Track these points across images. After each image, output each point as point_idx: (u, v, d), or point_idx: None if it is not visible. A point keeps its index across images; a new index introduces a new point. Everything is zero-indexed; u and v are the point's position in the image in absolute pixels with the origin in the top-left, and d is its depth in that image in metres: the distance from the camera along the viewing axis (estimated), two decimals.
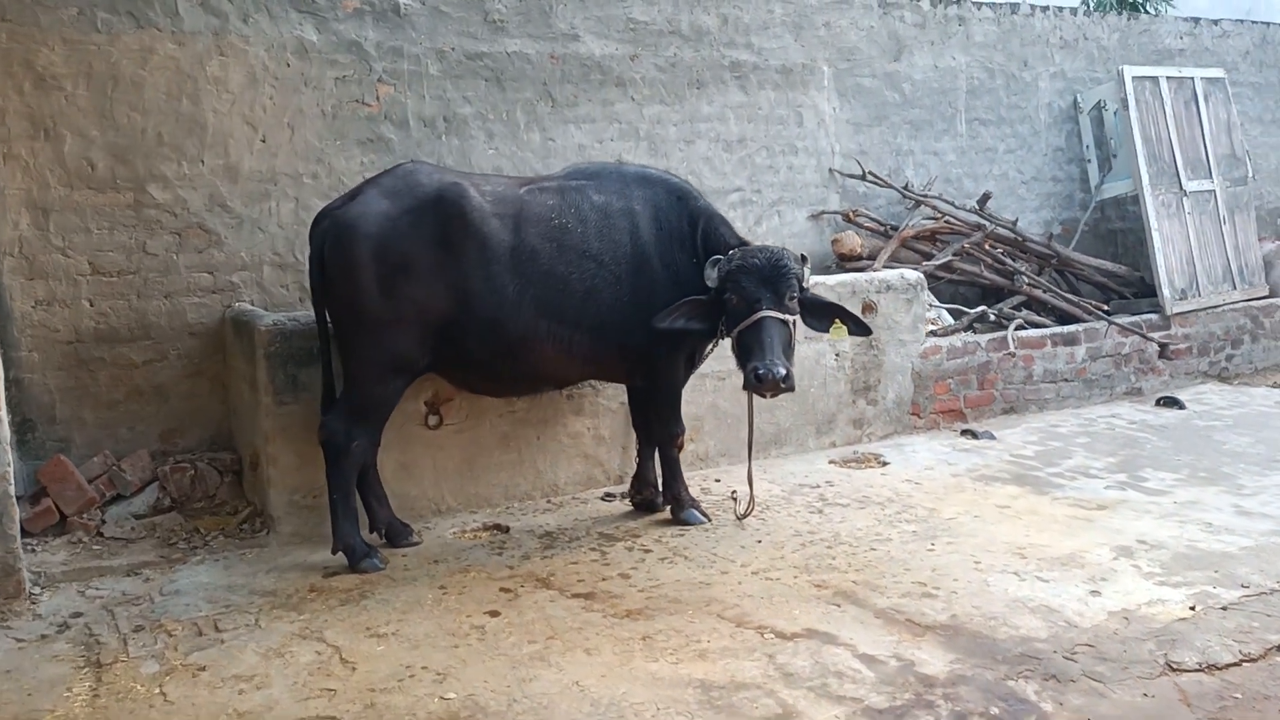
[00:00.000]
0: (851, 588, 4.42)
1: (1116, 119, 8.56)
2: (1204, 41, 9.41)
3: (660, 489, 5.51)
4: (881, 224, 7.59)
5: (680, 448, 5.37)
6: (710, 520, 5.33)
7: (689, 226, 5.04)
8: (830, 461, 6.46)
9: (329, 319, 4.71)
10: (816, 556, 4.80)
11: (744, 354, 4.70)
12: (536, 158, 6.47)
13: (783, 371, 4.53)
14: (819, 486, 5.93)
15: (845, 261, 7.29)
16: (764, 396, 4.77)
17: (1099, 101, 8.54)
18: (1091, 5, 9.05)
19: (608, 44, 6.63)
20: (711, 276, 4.81)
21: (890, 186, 7.60)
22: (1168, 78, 8.48)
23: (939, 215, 7.74)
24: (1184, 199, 8.47)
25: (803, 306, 4.87)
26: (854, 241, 7.23)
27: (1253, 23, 9.96)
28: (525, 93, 6.42)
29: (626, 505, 5.64)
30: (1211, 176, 8.70)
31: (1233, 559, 4.66)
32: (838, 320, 4.97)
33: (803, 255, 4.94)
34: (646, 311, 4.84)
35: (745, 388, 4.70)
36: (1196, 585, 4.36)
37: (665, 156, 6.89)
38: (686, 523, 5.30)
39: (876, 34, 7.70)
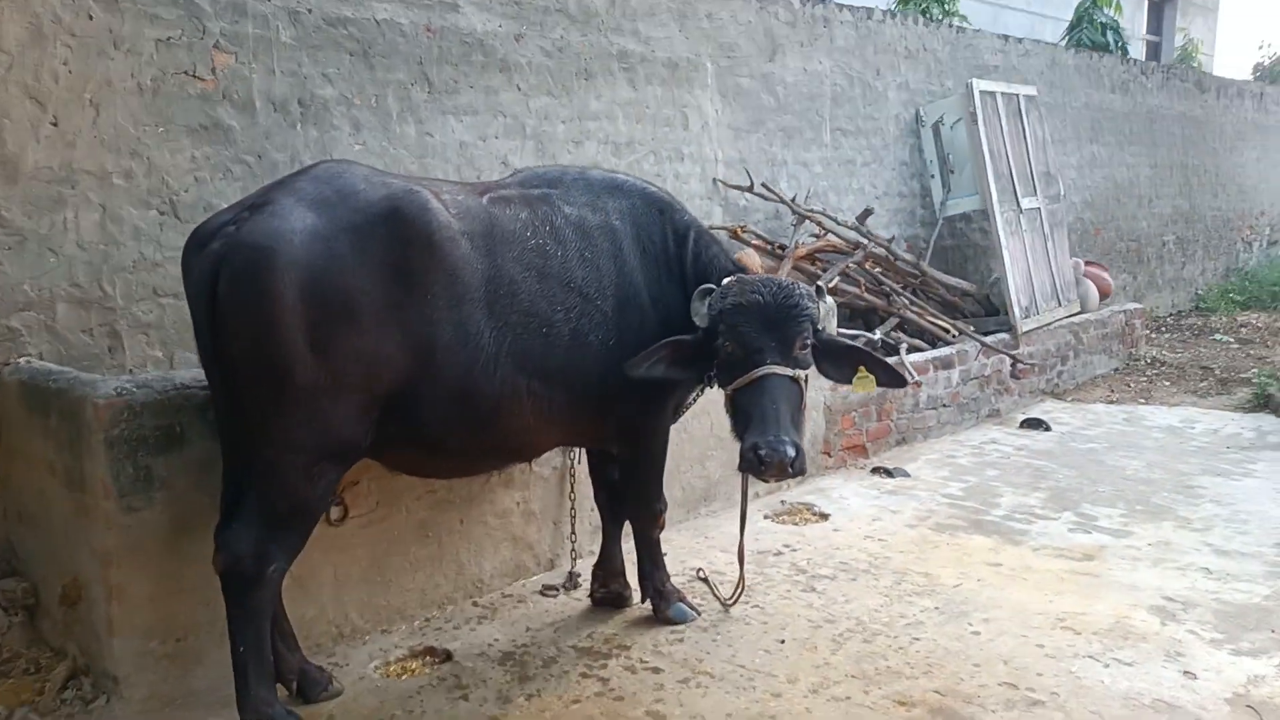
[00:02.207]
0: (940, 701, 3.60)
1: (953, 133, 8.42)
2: (1012, 59, 9.57)
3: (625, 577, 4.41)
4: (769, 241, 6.86)
5: (662, 527, 4.30)
6: (699, 614, 4.30)
7: (675, 247, 3.96)
8: (765, 517, 5.62)
9: (225, 384, 3.18)
10: (864, 656, 3.93)
11: (740, 421, 3.64)
12: (412, 156, 5.09)
13: (791, 452, 3.45)
14: (780, 553, 5.08)
15: None
16: (765, 481, 3.67)
17: (941, 115, 8.34)
18: (895, 10, 8.84)
19: (491, 18, 5.36)
20: (700, 313, 3.74)
21: (782, 201, 6.89)
22: (1001, 93, 8.45)
23: (822, 232, 7.14)
24: (1021, 216, 8.49)
25: (818, 353, 3.88)
26: (755, 263, 6.43)
27: (1045, 43, 10.32)
28: (398, 73, 5.02)
29: (577, 600, 4.48)
30: (1037, 194, 8.80)
31: (1269, 613, 4.34)
32: (862, 369, 4.00)
33: (818, 287, 4.01)
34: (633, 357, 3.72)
35: (742, 468, 3.57)
36: (1269, 649, 3.96)
37: (553, 159, 5.74)
38: (675, 621, 4.24)
39: (754, 30, 6.96)
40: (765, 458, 3.43)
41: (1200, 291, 13.50)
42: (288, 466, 3.15)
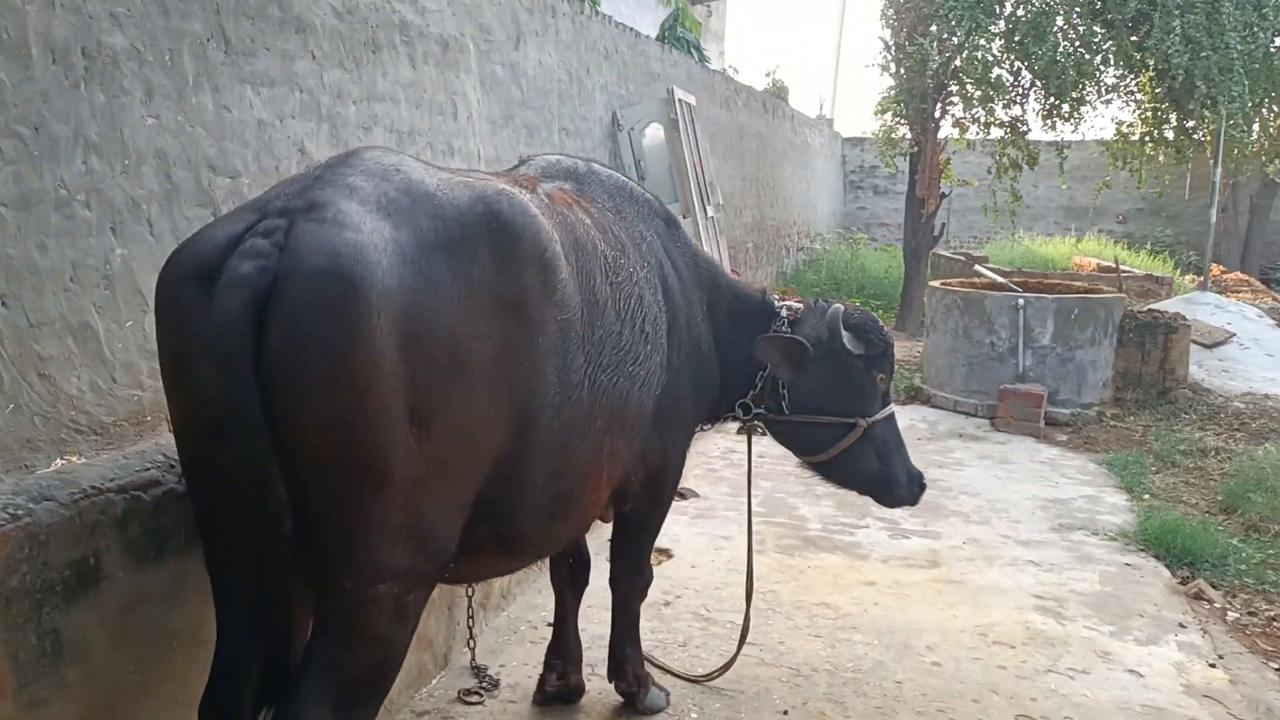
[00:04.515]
0: None
1: (643, 138, 8.32)
2: (666, 68, 9.71)
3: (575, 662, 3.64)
4: None
5: (644, 598, 3.61)
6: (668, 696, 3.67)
7: (688, 267, 3.33)
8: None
9: (257, 483, 1.91)
10: (874, 714, 3.60)
11: (876, 455, 3.52)
12: (210, 136, 3.73)
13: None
14: (669, 602, 4.58)
15: None
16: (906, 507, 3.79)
17: (640, 120, 8.18)
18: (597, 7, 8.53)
19: None
20: (849, 338, 3.39)
21: None
22: (682, 101, 8.51)
23: None
24: (707, 224, 8.63)
25: None
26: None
27: (684, 56, 10.61)
28: (194, 22, 3.63)
29: (511, 704, 3.59)
30: (709, 202, 9.02)
31: (1115, 597, 4.78)
32: None
33: None
34: (674, 399, 3.11)
35: (902, 501, 3.63)
36: (1156, 633, 4.35)
37: (345, 145, 4.63)
38: (654, 710, 3.57)
39: (503, 13, 6.23)
40: (924, 486, 3.64)
41: None
42: (378, 601, 2.10)
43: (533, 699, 3.61)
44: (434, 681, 3.71)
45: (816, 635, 4.27)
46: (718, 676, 3.77)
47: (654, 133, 8.27)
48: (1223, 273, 15.99)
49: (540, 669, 3.66)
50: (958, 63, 11.84)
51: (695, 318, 3.26)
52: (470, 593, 3.76)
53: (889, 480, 3.55)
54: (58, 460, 3.08)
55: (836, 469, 3.55)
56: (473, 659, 3.78)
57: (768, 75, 21.58)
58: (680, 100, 8.04)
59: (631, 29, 8.85)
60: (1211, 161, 12.38)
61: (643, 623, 3.66)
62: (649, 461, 3.11)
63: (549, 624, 4.19)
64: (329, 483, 1.97)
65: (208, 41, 3.69)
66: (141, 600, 2.32)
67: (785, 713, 3.61)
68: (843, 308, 3.44)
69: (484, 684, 3.70)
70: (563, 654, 3.62)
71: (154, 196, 3.47)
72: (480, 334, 2.16)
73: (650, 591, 4.52)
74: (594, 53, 7.82)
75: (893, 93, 12.63)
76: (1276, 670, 4.16)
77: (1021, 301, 8.35)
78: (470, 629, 3.79)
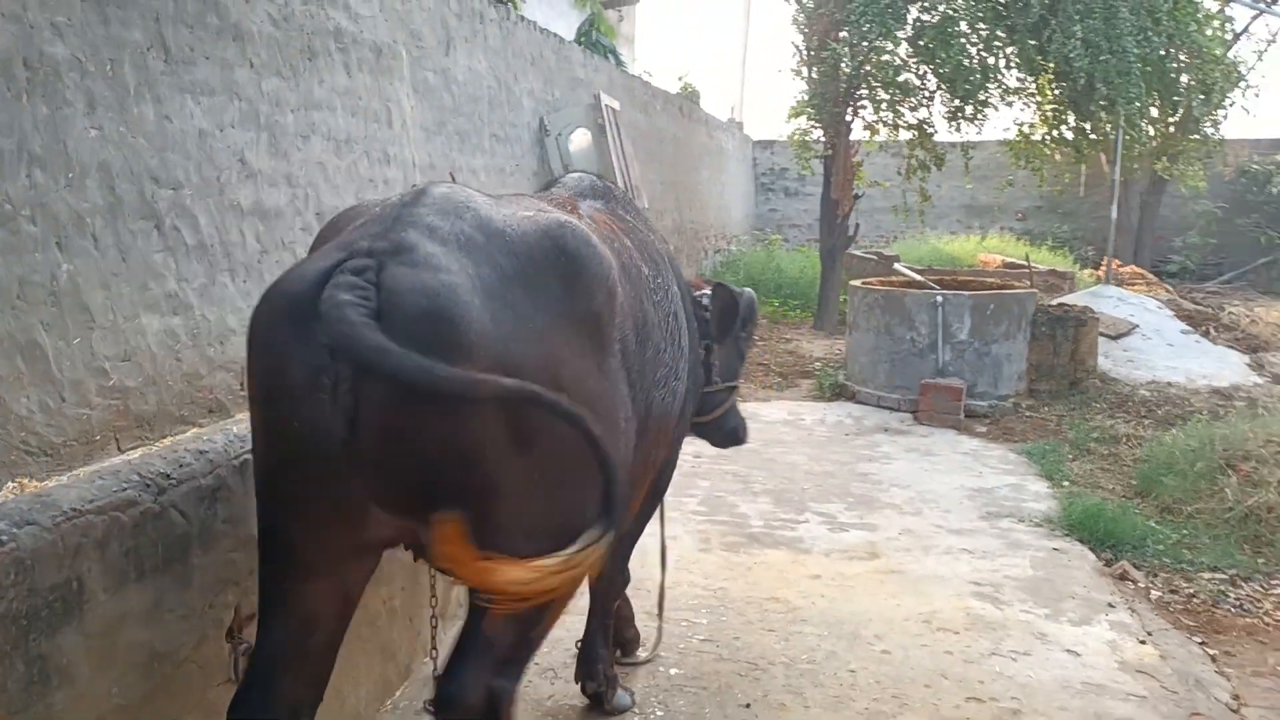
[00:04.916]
0: None
1: (569, 144, 8.35)
2: (589, 73, 9.76)
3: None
4: None
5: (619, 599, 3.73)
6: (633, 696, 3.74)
7: (678, 269, 3.44)
8: None
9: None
10: (833, 704, 3.72)
11: (731, 423, 4.02)
12: (151, 148, 3.65)
13: None
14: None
15: None
16: None
17: (567, 125, 8.22)
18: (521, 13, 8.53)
19: None
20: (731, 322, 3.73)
21: None
22: (607, 106, 8.58)
23: None
24: None
25: None
26: None
27: (605, 61, 10.67)
28: (134, 31, 3.56)
29: None
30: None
31: (1048, 581, 5.00)
32: None
33: None
34: (685, 402, 3.31)
35: (738, 444, 4.17)
36: (1088, 614, 4.56)
37: (285, 157, 4.60)
38: (620, 710, 3.64)
39: (434, 18, 6.21)
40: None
41: None
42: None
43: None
44: (398, 693, 3.70)
45: (769, 629, 4.37)
46: (648, 661, 3.95)
47: (580, 138, 8.31)
48: (1119, 266, 16.71)
49: None
50: (868, 67, 12.16)
51: (691, 319, 3.38)
52: (434, 603, 3.76)
53: (740, 427, 4.07)
54: (8, 484, 2.99)
55: (715, 427, 3.93)
56: (435, 669, 3.77)
57: (680, 80, 21.78)
58: (606, 105, 8.11)
59: (556, 35, 8.88)
60: (1110, 161, 12.96)
61: (570, 623, 3.73)
62: (663, 467, 3.28)
63: None
64: (452, 496, 1.96)
65: (148, 50, 3.62)
66: (123, 622, 2.29)
67: (748, 705, 3.70)
68: (752, 291, 3.86)
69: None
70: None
71: (98, 210, 3.39)
72: (564, 361, 2.22)
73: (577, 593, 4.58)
74: (521, 59, 7.83)
75: (806, 97, 12.90)
76: (1200, 644, 4.42)
77: (940, 299, 8.63)
78: (433, 639, 3.78)
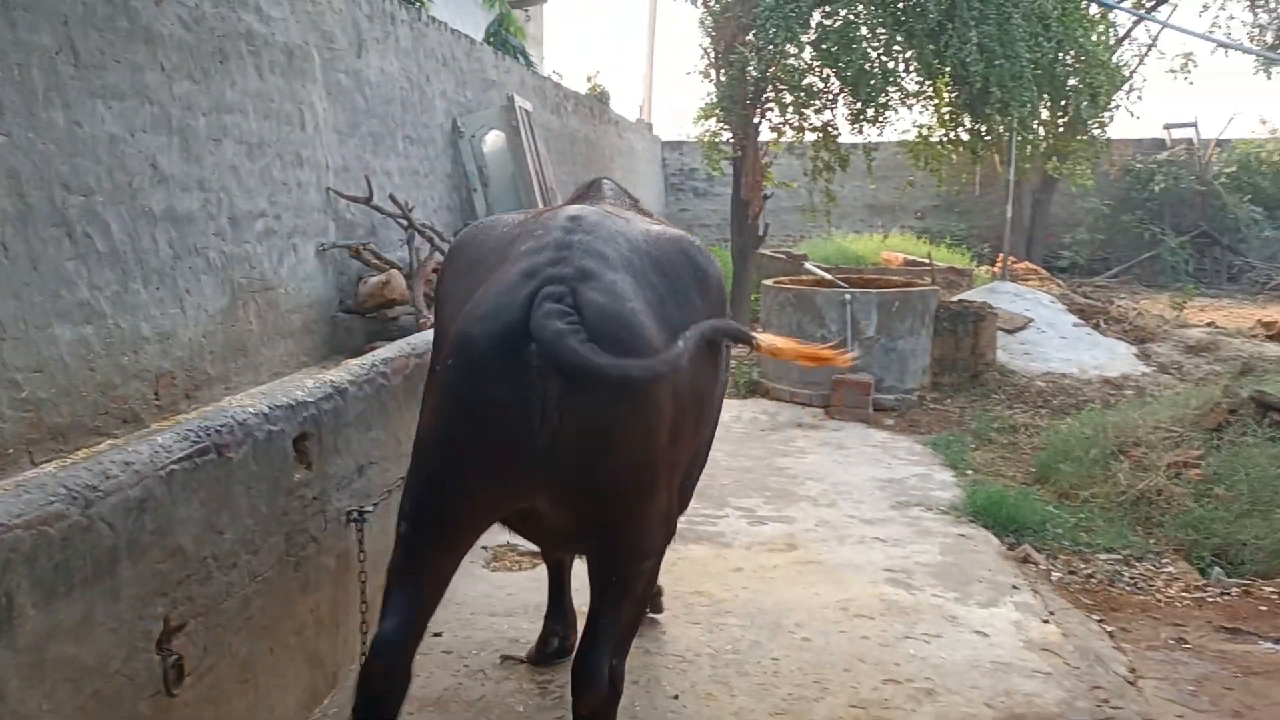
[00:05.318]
0: (864, 714, 3.71)
1: (484, 146, 8.35)
2: (501, 74, 9.76)
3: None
4: (389, 261, 6.15)
5: None
6: None
7: None
8: (484, 566, 5.07)
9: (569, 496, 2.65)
10: (757, 691, 3.85)
11: None
12: (61, 154, 3.58)
13: None
14: (525, 610, 4.65)
15: (380, 309, 5.71)
16: None
17: (481, 127, 8.22)
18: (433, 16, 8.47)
19: None
20: None
21: (404, 215, 6.17)
22: (521, 107, 8.60)
23: (433, 249, 6.58)
24: None
25: None
26: (401, 287, 5.73)
27: (516, 62, 10.67)
28: (43, 35, 3.47)
29: (405, 715, 3.62)
30: None
31: (954, 565, 5.22)
32: None
33: None
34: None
35: None
36: (994, 596, 4.79)
37: (198, 162, 4.55)
38: None
39: (345, 20, 6.17)
40: None
41: None
42: (645, 573, 2.88)
43: (530, 658, 3.93)
44: (325, 702, 3.68)
45: (694, 622, 4.48)
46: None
47: (494, 139, 8.32)
48: (1014, 263, 17.36)
49: (433, 677, 3.70)
50: (774, 70, 12.40)
51: None
52: (364, 609, 3.76)
53: None
54: None
55: None
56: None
57: (589, 80, 21.84)
58: (520, 107, 8.13)
59: (467, 36, 8.86)
60: (1004, 161, 13.47)
61: (498, 626, 4.03)
62: None
63: (435, 634, 4.23)
64: (625, 492, 2.54)
65: (57, 54, 3.54)
66: (52, 636, 2.27)
67: (676, 697, 3.80)
68: None
69: None
70: (563, 620, 4.02)
71: (8, 218, 3.31)
72: (699, 365, 2.68)
73: (503, 597, 4.69)
74: (433, 60, 7.80)
75: (714, 99, 13.09)
76: (1098, 621, 4.67)
77: (849, 296, 8.88)
78: (363, 645, 3.78)
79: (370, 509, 3.76)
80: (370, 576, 3.68)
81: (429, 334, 4.62)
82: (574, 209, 2.83)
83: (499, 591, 4.75)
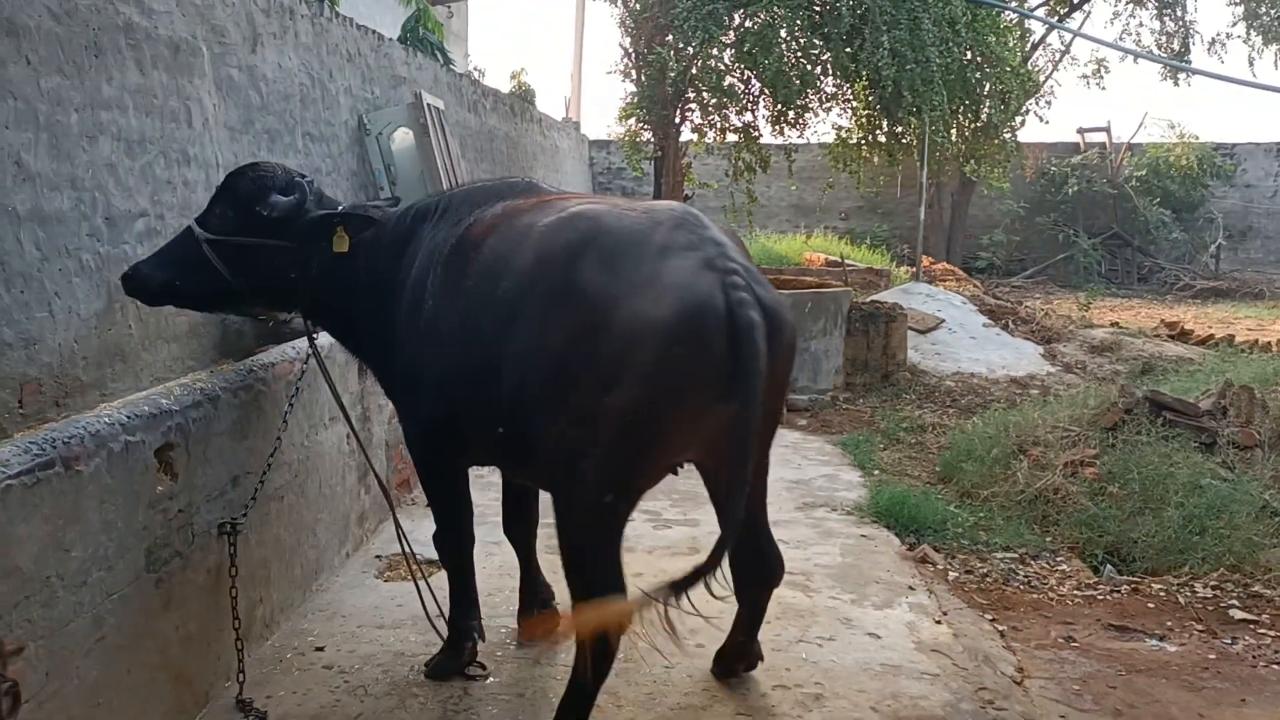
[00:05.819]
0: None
1: (392, 144, 8.18)
2: (413, 70, 9.59)
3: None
4: None
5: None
6: None
7: None
8: (377, 576, 4.95)
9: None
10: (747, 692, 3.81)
11: None
12: None
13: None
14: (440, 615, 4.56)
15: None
16: None
17: (389, 124, 8.05)
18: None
19: None
20: None
21: None
22: (439, 107, 8.44)
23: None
24: None
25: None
26: None
27: (431, 60, 10.48)
28: None
29: None
30: None
31: (853, 568, 5.25)
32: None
33: None
34: None
35: None
36: (889, 598, 4.82)
37: (69, 159, 4.35)
38: None
39: (238, 14, 5.97)
40: None
41: None
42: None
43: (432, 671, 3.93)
44: None
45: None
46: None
47: (403, 137, 8.17)
48: (932, 263, 17.63)
49: (310, 694, 3.60)
50: (694, 71, 12.42)
51: None
52: (237, 625, 3.63)
53: None
54: None
55: None
56: (239, 691, 3.65)
57: (513, 78, 21.63)
58: (429, 105, 7.98)
59: (374, 31, 8.67)
60: (918, 164, 13.67)
61: (385, 639, 4.04)
62: None
63: (318, 649, 4.12)
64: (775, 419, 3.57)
65: None
66: None
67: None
68: None
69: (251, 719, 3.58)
70: (536, 593, 4.41)
71: None
72: None
73: (392, 609, 4.60)
74: (336, 56, 7.61)
75: (635, 99, 13.08)
76: (991, 620, 4.73)
77: None
78: (240, 661, 3.65)
79: (242, 520, 3.63)
80: (241, 591, 3.56)
81: (325, 337, 4.50)
82: (683, 209, 3.41)
83: (389, 603, 4.64)
